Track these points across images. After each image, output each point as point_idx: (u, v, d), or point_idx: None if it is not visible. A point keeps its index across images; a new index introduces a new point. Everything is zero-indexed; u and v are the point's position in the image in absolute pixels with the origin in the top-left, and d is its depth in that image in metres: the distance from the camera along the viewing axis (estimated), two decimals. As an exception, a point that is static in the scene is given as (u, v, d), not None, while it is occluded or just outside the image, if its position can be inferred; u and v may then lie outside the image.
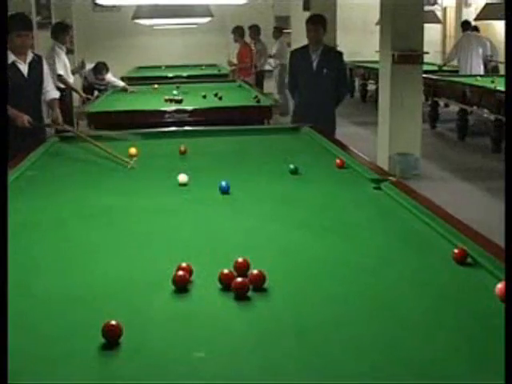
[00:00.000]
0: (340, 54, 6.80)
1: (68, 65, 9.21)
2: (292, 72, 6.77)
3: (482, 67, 12.23)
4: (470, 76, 11.20)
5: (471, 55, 12.19)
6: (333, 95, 6.55)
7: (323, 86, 6.42)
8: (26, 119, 4.87)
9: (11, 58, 4.92)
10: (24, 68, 5.06)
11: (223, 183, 3.35)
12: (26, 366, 1.67)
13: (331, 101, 6.55)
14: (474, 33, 12.49)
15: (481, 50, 12.26)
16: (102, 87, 10.34)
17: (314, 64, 6.44)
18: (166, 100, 7.33)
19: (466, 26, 12.61)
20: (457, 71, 12.40)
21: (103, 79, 10.29)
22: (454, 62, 12.85)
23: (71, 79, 9.32)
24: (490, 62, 12.54)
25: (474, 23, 12.75)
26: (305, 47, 6.67)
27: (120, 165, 4.02)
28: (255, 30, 12.09)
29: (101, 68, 10.33)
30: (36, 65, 5.15)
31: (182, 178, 3.55)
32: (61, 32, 9.19)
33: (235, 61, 11.98)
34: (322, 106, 6.42)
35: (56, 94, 5.32)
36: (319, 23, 6.45)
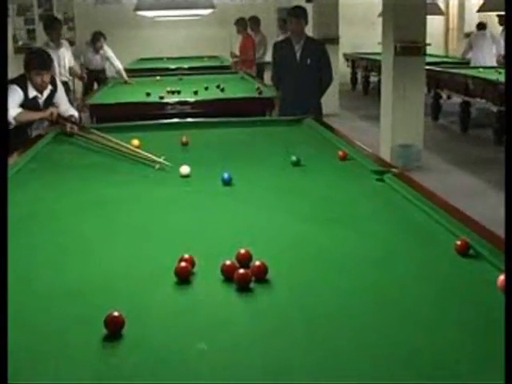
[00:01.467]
0: (322, 44, 6.89)
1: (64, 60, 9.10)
2: (276, 64, 6.79)
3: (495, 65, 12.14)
4: (473, 68, 11.16)
5: (483, 53, 12.12)
6: (317, 85, 6.57)
7: (307, 76, 6.47)
8: (55, 112, 4.94)
9: (33, 93, 4.99)
10: (42, 102, 5.13)
11: (225, 175, 3.35)
12: (25, 360, 1.67)
13: (316, 90, 6.58)
14: (488, 31, 12.40)
15: (494, 49, 12.17)
16: (99, 67, 10.42)
17: (298, 55, 6.50)
18: (168, 92, 7.32)
19: (480, 26, 12.55)
20: (460, 63, 12.35)
21: (101, 47, 10.34)
22: (458, 55, 12.81)
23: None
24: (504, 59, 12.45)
25: (476, 15, 12.69)
26: (287, 39, 6.76)
27: (148, 166, 3.83)
28: (255, 21, 12.05)
29: (98, 36, 10.38)
30: (51, 95, 5.19)
31: (184, 169, 3.54)
32: (49, 28, 8.89)
33: (237, 52, 11.95)
34: (307, 96, 6.45)
35: (73, 112, 5.31)
36: (301, 15, 6.52)
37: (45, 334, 1.81)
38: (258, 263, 2.13)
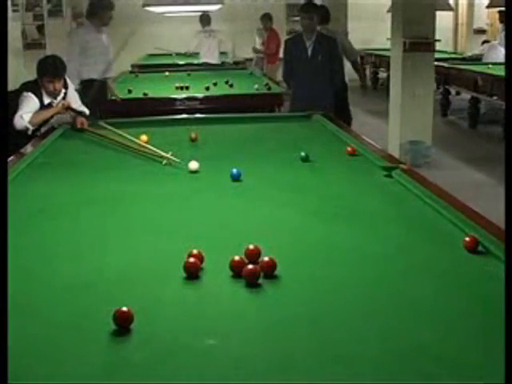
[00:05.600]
0: (334, 40, 6.82)
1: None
2: (287, 61, 6.77)
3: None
4: (482, 64, 11.12)
5: (496, 53, 12.06)
6: (329, 81, 6.53)
7: (319, 72, 6.44)
8: (65, 103, 4.96)
9: (47, 100, 4.98)
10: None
11: (234, 170, 3.35)
12: (37, 352, 1.68)
13: (328, 87, 6.53)
14: (496, 42, 12.33)
15: (503, 49, 12.11)
16: None
17: (309, 51, 6.47)
18: (177, 87, 7.33)
19: (486, 42, 12.52)
20: (469, 59, 12.31)
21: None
22: (467, 51, 12.77)
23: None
24: None
25: (485, 11, 12.63)
26: (299, 35, 6.72)
27: (157, 161, 3.84)
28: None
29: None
30: (64, 98, 5.19)
31: (193, 165, 3.54)
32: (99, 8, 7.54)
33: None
34: (318, 92, 6.42)
35: (84, 109, 5.31)
36: (313, 11, 6.49)
37: (55, 326, 1.83)
38: (266, 259, 2.13)
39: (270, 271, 2.11)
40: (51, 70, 4.92)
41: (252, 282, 2.05)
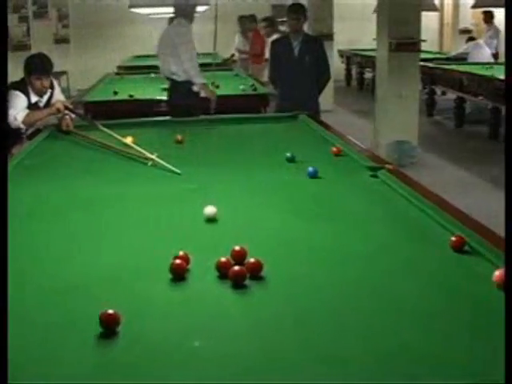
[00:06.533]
0: (320, 40, 6.84)
1: None
2: (274, 62, 6.77)
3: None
4: (467, 64, 11.17)
5: (482, 53, 12.10)
6: (315, 82, 6.54)
7: (305, 72, 6.43)
8: (61, 106, 4.88)
9: (34, 98, 4.99)
10: (42, 106, 5.14)
11: (311, 168, 3.39)
12: (26, 355, 1.68)
13: (314, 88, 6.54)
14: (480, 40, 12.34)
15: (489, 53, 12.13)
16: None
17: (296, 51, 6.45)
18: (163, 89, 7.32)
19: (471, 39, 12.53)
20: (454, 59, 12.34)
21: None
22: (452, 51, 12.79)
23: None
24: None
25: (470, 12, 12.63)
26: (285, 36, 6.72)
27: (140, 162, 3.86)
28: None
29: None
30: (51, 97, 5.19)
31: (210, 210, 2.78)
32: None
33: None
34: (305, 93, 6.41)
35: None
36: (300, 12, 6.50)
37: (42, 328, 1.83)
38: (252, 260, 2.13)
39: (256, 272, 2.11)
40: (39, 68, 4.92)
41: (238, 284, 2.05)
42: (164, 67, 6.42)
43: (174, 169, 3.60)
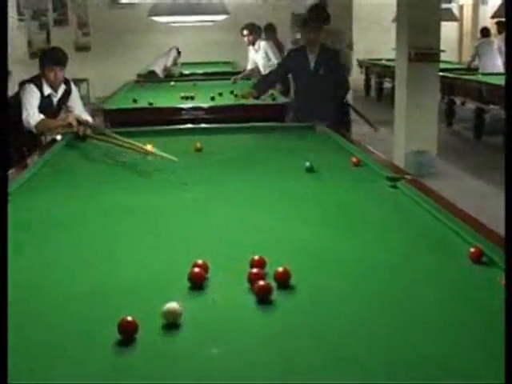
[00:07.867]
0: (337, 52, 6.71)
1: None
2: (280, 70, 6.75)
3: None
4: (486, 74, 11.12)
5: (493, 61, 12.04)
6: (332, 93, 6.46)
7: (320, 85, 6.36)
8: (73, 121, 4.88)
9: (47, 91, 5.07)
10: (56, 100, 5.22)
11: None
12: (42, 360, 1.69)
13: (330, 100, 6.44)
14: (494, 39, 12.32)
15: (499, 58, 12.09)
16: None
17: (311, 64, 6.40)
18: (182, 97, 7.35)
19: (485, 32, 12.49)
20: (470, 69, 12.29)
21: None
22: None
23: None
24: None
25: (490, 21, 12.59)
26: (302, 47, 6.62)
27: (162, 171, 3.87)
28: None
29: (177, 50, 11.36)
30: (65, 95, 5.26)
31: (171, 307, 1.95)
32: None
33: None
34: (320, 105, 6.32)
35: (87, 117, 5.29)
36: (320, 21, 6.44)
37: (60, 335, 1.83)
38: (281, 269, 2.14)
39: (283, 281, 2.12)
40: (52, 58, 4.99)
41: (263, 299, 2.03)
42: None
43: (170, 157, 3.74)
